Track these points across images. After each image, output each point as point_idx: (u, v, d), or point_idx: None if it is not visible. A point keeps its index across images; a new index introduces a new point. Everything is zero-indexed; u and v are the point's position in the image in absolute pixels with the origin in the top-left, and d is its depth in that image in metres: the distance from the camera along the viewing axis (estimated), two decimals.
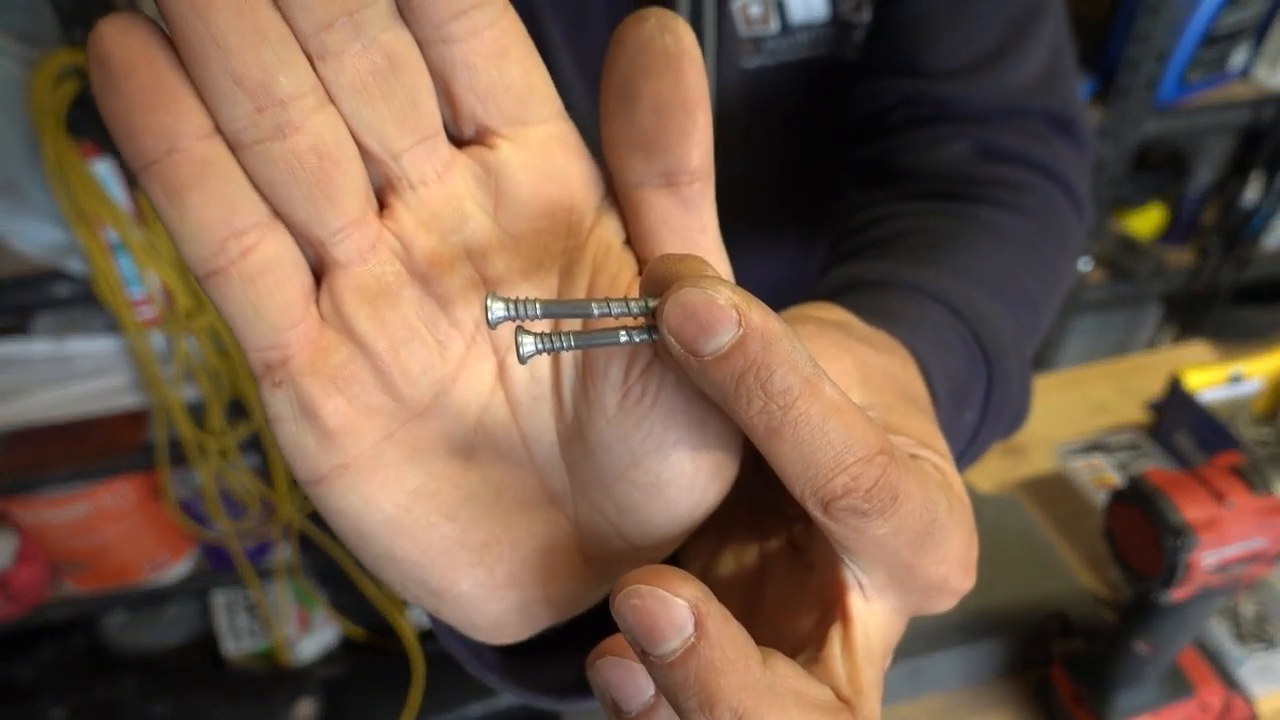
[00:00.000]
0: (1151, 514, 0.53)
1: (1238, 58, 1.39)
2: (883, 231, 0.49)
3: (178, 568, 1.63)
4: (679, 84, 0.22)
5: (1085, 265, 1.56)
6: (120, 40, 0.21)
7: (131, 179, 1.07)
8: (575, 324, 0.25)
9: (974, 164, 0.53)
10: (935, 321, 0.38)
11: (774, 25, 0.60)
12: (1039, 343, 0.49)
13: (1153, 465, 0.83)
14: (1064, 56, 0.58)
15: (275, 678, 1.65)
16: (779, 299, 0.28)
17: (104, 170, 1.06)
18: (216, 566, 1.65)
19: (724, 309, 0.19)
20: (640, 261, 0.25)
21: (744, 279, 0.25)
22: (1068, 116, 0.56)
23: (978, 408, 0.40)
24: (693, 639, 0.18)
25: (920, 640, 0.68)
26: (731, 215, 0.49)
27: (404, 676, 1.60)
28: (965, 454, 0.41)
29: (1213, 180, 1.63)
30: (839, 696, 0.22)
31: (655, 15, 0.22)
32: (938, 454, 0.26)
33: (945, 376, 0.35)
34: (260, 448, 1.39)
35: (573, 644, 0.31)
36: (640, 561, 0.27)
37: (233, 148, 0.22)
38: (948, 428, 0.35)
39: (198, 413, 1.33)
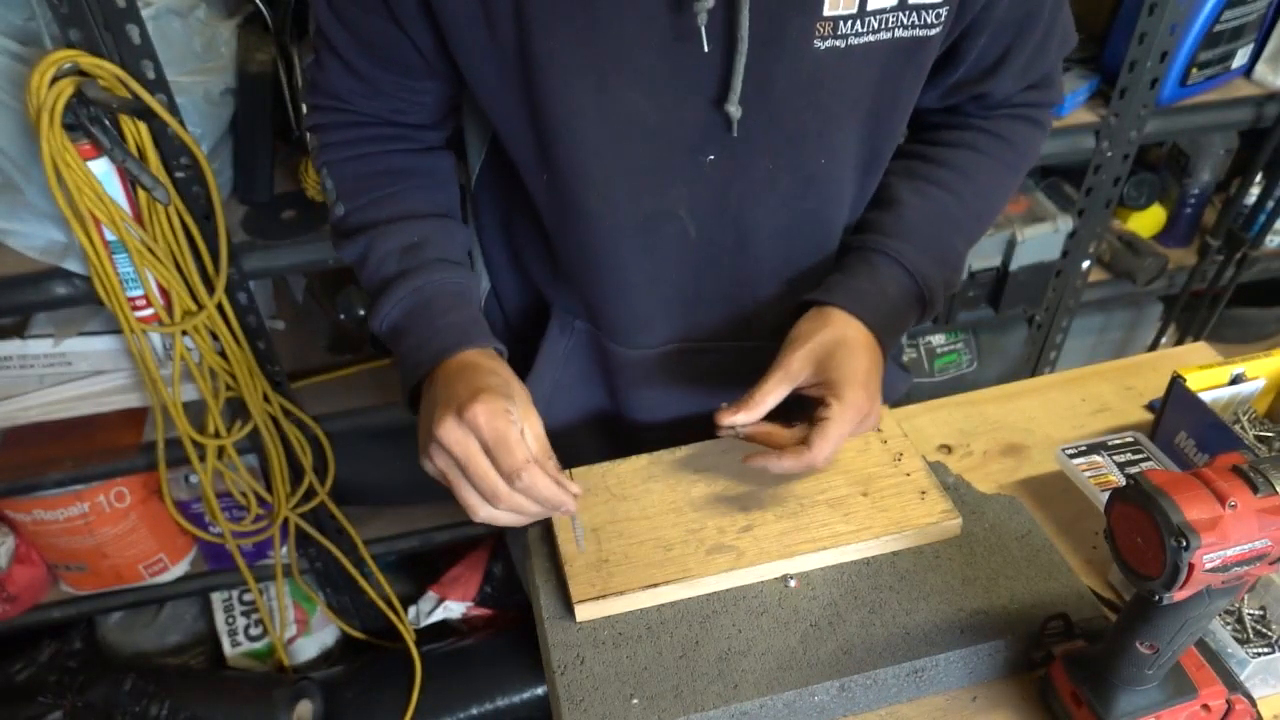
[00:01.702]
0: (1153, 514, 0.53)
1: (1239, 57, 1.39)
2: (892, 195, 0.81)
3: (176, 568, 1.63)
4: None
5: (1085, 265, 1.56)
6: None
7: (131, 179, 1.07)
8: None
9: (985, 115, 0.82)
10: (894, 284, 0.77)
11: (854, 8, 0.64)
12: (973, 241, 0.84)
13: (1153, 465, 0.83)
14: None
15: (274, 678, 1.64)
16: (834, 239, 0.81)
17: (103, 170, 1.05)
18: (215, 567, 1.65)
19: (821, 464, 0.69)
20: None
21: (817, 227, 0.79)
22: (1053, 75, 0.82)
23: (911, 324, 0.80)
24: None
25: (921, 641, 0.68)
26: (806, 184, 0.75)
27: (403, 676, 1.60)
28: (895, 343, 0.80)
29: (1213, 180, 1.63)
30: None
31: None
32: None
33: (885, 325, 0.75)
34: (259, 448, 1.39)
35: None
36: None
37: None
38: (886, 338, 0.75)
39: (196, 413, 1.33)
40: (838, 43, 0.65)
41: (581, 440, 0.91)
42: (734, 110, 0.67)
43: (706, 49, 0.64)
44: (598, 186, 0.72)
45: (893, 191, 0.80)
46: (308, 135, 0.82)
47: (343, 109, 0.77)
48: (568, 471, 0.79)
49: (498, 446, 0.63)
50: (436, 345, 0.71)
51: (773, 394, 0.69)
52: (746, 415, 0.69)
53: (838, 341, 0.71)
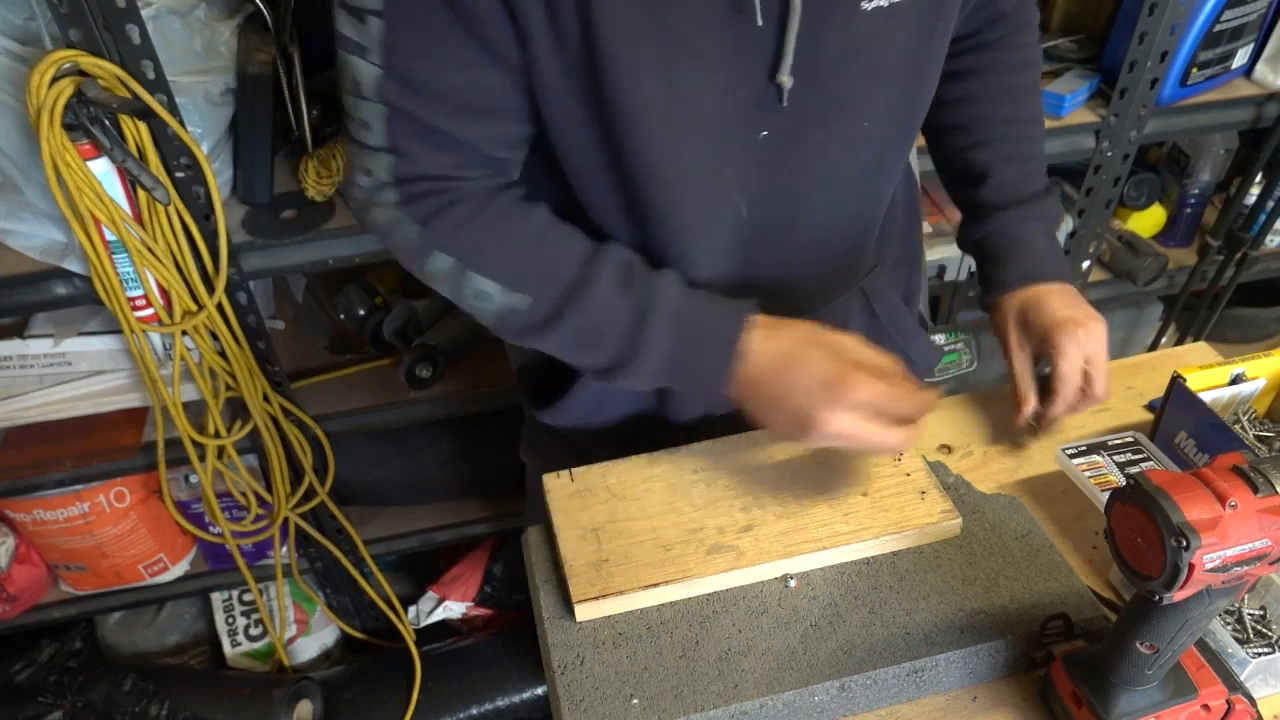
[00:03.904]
0: (1153, 514, 0.53)
1: (1239, 57, 1.39)
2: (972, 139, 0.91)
3: (176, 568, 1.63)
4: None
5: (1085, 265, 1.56)
6: None
7: (131, 179, 1.07)
8: None
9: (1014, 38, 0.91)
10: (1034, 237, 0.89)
11: None
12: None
13: (1153, 465, 0.83)
14: None
15: (274, 678, 1.64)
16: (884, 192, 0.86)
17: (103, 170, 1.05)
18: (215, 567, 1.65)
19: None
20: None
21: (863, 194, 0.83)
22: None
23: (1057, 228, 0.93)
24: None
25: (921, 641, 0.68)
26: (853, 150, 0.77)
27: (403, 676, 1.60)
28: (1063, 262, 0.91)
29: (1213, 180, 1.63)
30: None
31: None
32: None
33: (1051, 265, 0.88)
34: (259, 448, 1.39)
35: None
36: None
37: None
38: (1060, 267, 0.88)
39: (196, 413, 1.33)
40: (881, 2, 0.67)
41: (629, 439, 0.90)
42: (786, 80, 0.68)
43: (761, 23, 0.65)
44: (662, 180, 0.72)
45: (981, 155, 0.91)
46: (402, 243, 0.74)
47: (441, 189, 0.72)
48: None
49: (896, 375, 0.70)
50: (720, 344, 0.72)
51: (1029, 380, 0.85)
52: (1031, 405, 0.85)
53: (1028, 307, 0.85)
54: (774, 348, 0.71)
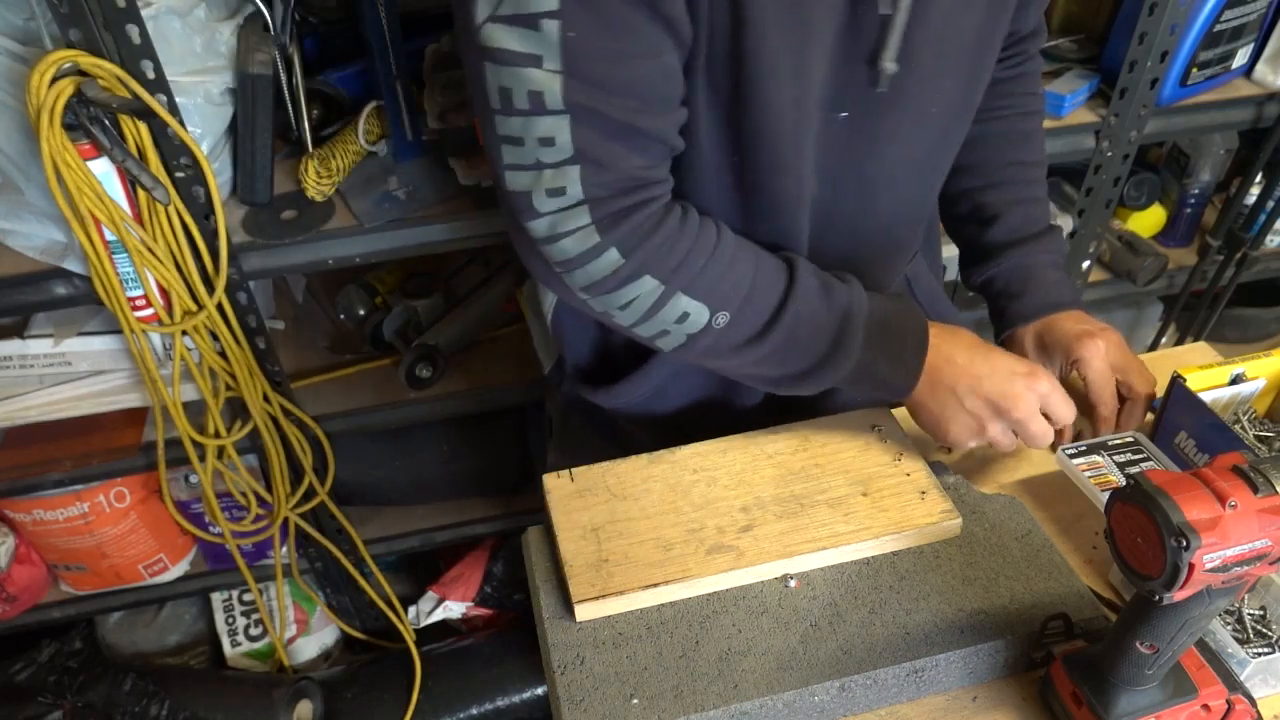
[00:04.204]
0: (1153, 514, 0.53)
1: (1239, 57, 1.38)
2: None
3: (176, 568, 1.63)
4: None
5: (1085, 265, 1.56)
6: None
7: (131, 179, 1.06)
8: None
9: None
10: (1059, 271, 0.94)
11: None
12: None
13: (1153, 465, 0.83)
14: None
15: (274, 678, 1.64)
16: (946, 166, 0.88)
17: (103, 170, 1.05)
18: (215, 567, 1.65)
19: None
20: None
21: (924, 179, 0.86)
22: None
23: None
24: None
25: (921, 641, 0.68)
26: (922, 133, 0.80)
27: (403, 676, 1.60)
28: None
29: (1213, 180, 1.63)
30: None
31: None
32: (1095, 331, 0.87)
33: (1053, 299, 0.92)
34: (259, 448, 1.39)
35: None
36: None
37: None
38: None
39: (196, 413, 1.33)
40: None
41: (692, 424, 0.90)
42: (890, 66, 0.69)
43: (882, 11, 0.67)
44: (768, 164, 0.73)
45: (991, 197, 0.95)
46: (596, 271, 0.70)
47: (636, 205, 0.69)
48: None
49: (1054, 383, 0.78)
50: (914, 343, 0.78)
51: (1113, 403, 0.86)
52: (1109, 427, 0.86)
53: (1043, 334, 0.90)
54: (959, 342, 0.79)
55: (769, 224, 0.78)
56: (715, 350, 0.75)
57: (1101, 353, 0.85)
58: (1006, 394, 0.76)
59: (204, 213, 1.13)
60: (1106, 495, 0.77)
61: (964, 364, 0.78)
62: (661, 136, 0.69)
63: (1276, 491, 0.53)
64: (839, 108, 0.73)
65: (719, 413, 0.93)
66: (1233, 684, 0.63)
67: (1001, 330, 0.95)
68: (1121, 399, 0.87)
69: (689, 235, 0.71)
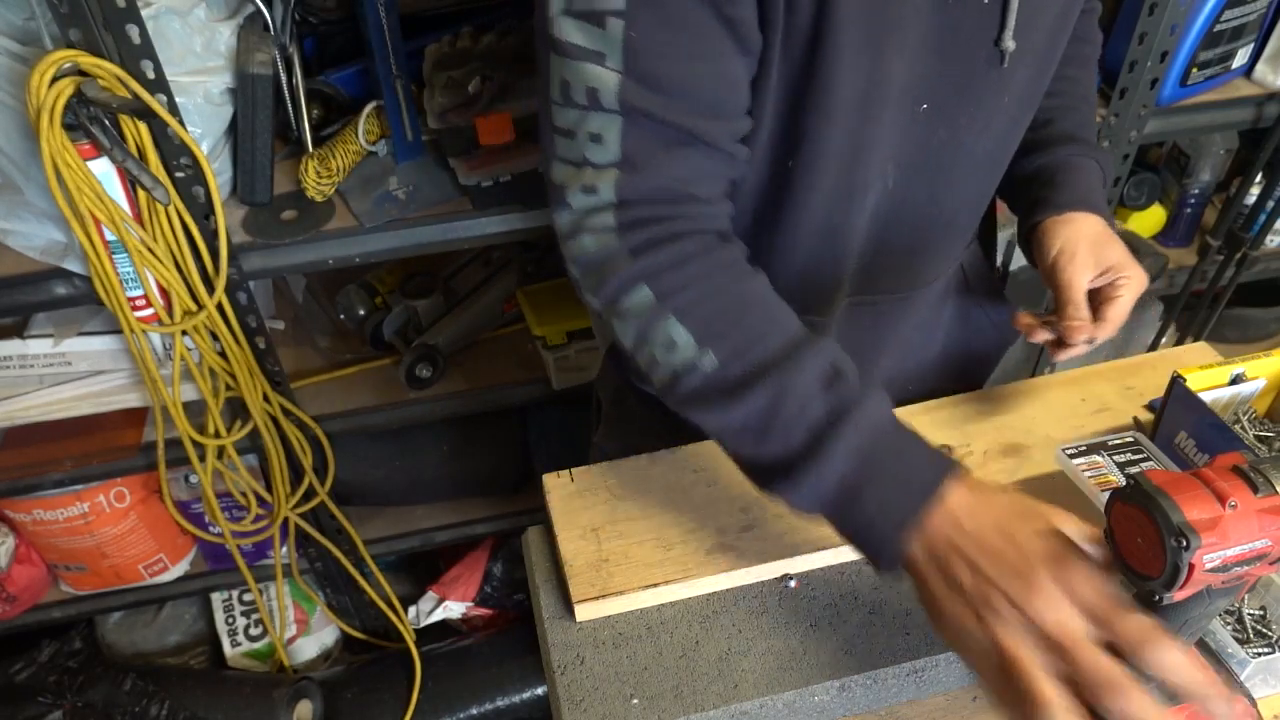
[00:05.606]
0: (1153, 514, 0.53)
1: (1239, 57, 1.38)
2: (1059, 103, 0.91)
3: (176, 568, 1.63)
4: None
5: None
6: None
7: (131, 179, 1.07)
8: None
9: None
10: (1095, 175, 0.88)
11: None
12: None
13: (1153, 465, 0.83)
14: None
15: (274, 678, 1.64)
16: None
17: (103, 170, 1.05)
18: (215, 567, 1.65)
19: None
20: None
21: (993, 169, 0.85)
22: None
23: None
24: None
25: (921, 641, 0.68)
26: (991, 123, 0.79)
27: (403, 676, 1.60)
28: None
29: (1213, 180, 1.63)
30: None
31: None
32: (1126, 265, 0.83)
33: (1104, 211, 0.86)
34: (259, 448, 1.39)
35: None
36: None
37: None
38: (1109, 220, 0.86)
39: (196, 413, 1.33)
40: None
41: None
42: (1010, 44, 0.70)
43: (986, 1, 0.67)
44: (836, 163, 0.72)
45: (1048, 103, 0.90)
46: (606, 272, 0.67)
47: (665, 217, 0.66)
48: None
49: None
50: (925, 476, 0.59)
51: (1084, 298, 0.82)
52: (1085, 327, 0.82)
53: (1098, 236, 0.83)
54: (983, 502, 0.57)
55: (817, 218, 0.76)
56: (699, 398, 0.65)
57: (1134, 293, 0.83)
58: (1029, 581, 0.53)
59: (204, 213, 1.13)
60: (1106, 495, 0.77)
61: (976, 534, 0.56)
62: (716, 142, 0.66)
63: (1277, 491, 0.53)
64: (922, 100, 0.72)
65: None
66: (1232, 685, 0.63)
67: (1032, 217, 0.86)
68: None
69: (707, 263, 0.66)
